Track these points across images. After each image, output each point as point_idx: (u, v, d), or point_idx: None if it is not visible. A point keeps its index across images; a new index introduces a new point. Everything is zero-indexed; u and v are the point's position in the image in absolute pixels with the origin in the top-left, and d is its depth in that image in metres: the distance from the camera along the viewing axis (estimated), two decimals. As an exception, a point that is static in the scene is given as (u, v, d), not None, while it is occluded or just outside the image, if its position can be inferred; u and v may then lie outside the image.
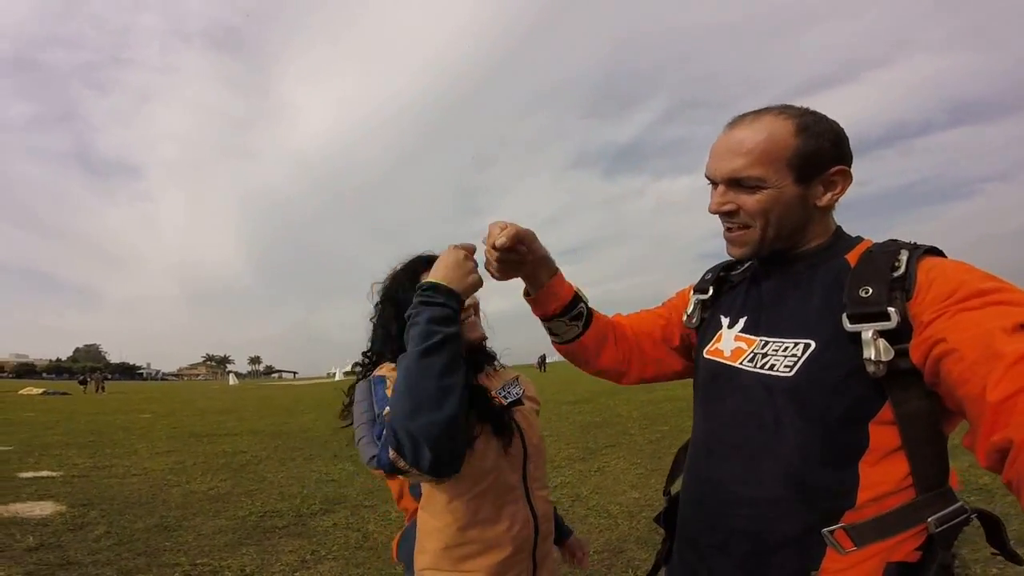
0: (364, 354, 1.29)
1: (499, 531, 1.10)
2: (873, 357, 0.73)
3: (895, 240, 0.86)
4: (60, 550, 3.29)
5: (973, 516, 0.77)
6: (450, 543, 1.09)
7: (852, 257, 0.86)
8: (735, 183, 0.87)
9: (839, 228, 0.93)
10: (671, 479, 1.11)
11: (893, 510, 0.75)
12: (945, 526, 0.74)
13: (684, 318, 1.10)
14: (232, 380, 60.85)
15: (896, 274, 0.78)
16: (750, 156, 0.85)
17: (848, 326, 0.77)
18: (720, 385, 0.95)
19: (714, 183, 0.91)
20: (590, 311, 1.15)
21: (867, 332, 0.74)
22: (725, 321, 1.00)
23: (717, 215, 0.92)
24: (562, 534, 1.41)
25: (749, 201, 0.87)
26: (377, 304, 1.28)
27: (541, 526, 1.17)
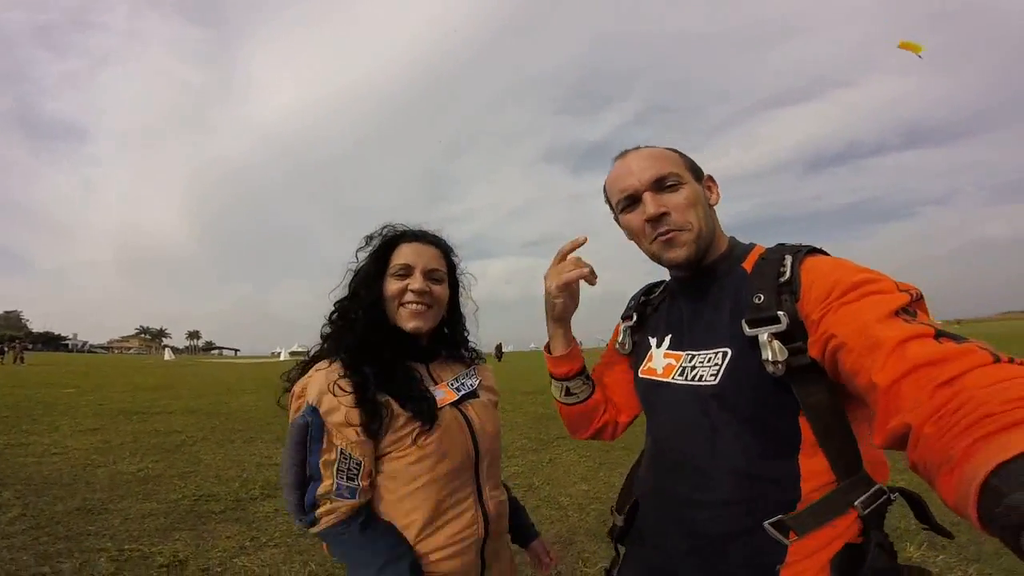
0: (328, 316, 1.20)
1: (438, 532, 1.05)
2: (770, 358, 0.79)
3: (782, 244, 0.93)
4: (-35, 534, 2.99)
5: (895, 496, 0.83)
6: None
7: (748, 264, 0.94)
8: (659, 183, 0.95)
9: (732, 238, 1.03)
10: (624, 497, 1.12)
11: (822, 498, 0.80)
12: (871, 508, 0.79)
13: (617, 347, 1.17)
14: (168, 355, 57.91)
15: (783, 279, 0.84)
16: (662, 160, 0.97)
17: (747, 331, 0.83)
18: (657, 401, 1.01)
19: (634, 199, 0.98)
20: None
21: (763, 335, 0.81)
22: (653, 341, 1.06)
23: (648, 225, 0.96)
24: (528, 536, 1.36)
25: (676, 199, 0.94)
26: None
27: (492, 526, 1.13)
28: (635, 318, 1.14)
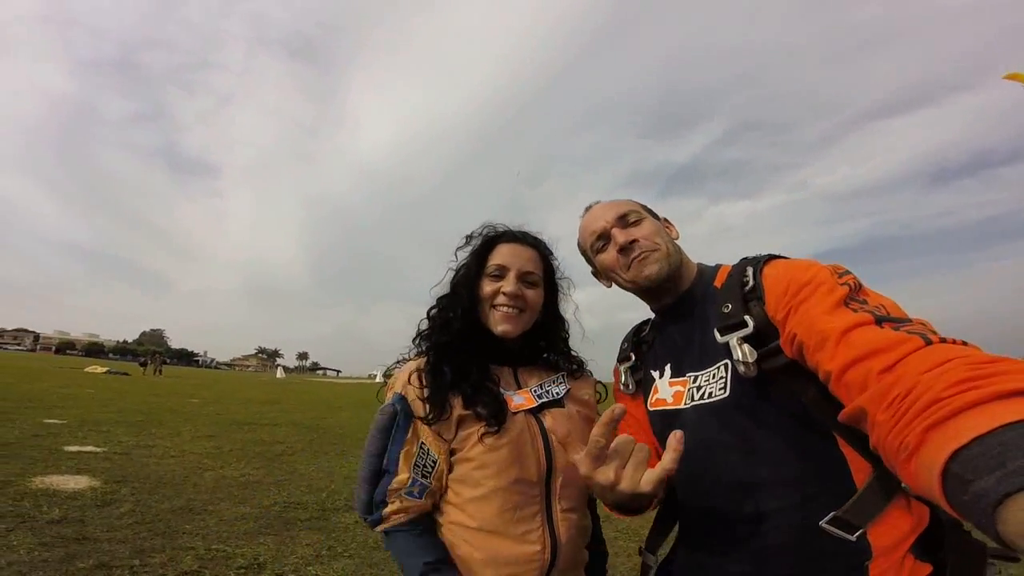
0: (428, 311, 1.18)
1: (500, 545, 0.95)
2: (740, 359, 0.83)
3: (745, 258, 0.98)
4: (80, 525, 3.27)
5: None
6: (453, 543, 1.01)
7: (718, 282, 0.99)
8: (623, 220, 1.05)
9: (700, 264, 1.09)
10: (654, 539, 1.06)
11: (866, 486, 0.77)
12: None
13: (622, 388, 1.14)
14: (280, 373, 63.15)
15: (747, 288, 0.89)
16: (622, 203, 1.08)
17: (719, 339, 0.87)
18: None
19: (605, 237, 1.07)
20: None
21: (732, 340, 0.85)
22: (656, 374, 1.06)
23: (620, 255, 1.03)
24: None
25: (642, 230, 1.03)
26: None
27: (562, 554, 0.98)
28: (632, 358, 1.14)
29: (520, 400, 1.06)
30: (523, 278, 1.11)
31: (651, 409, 1.04)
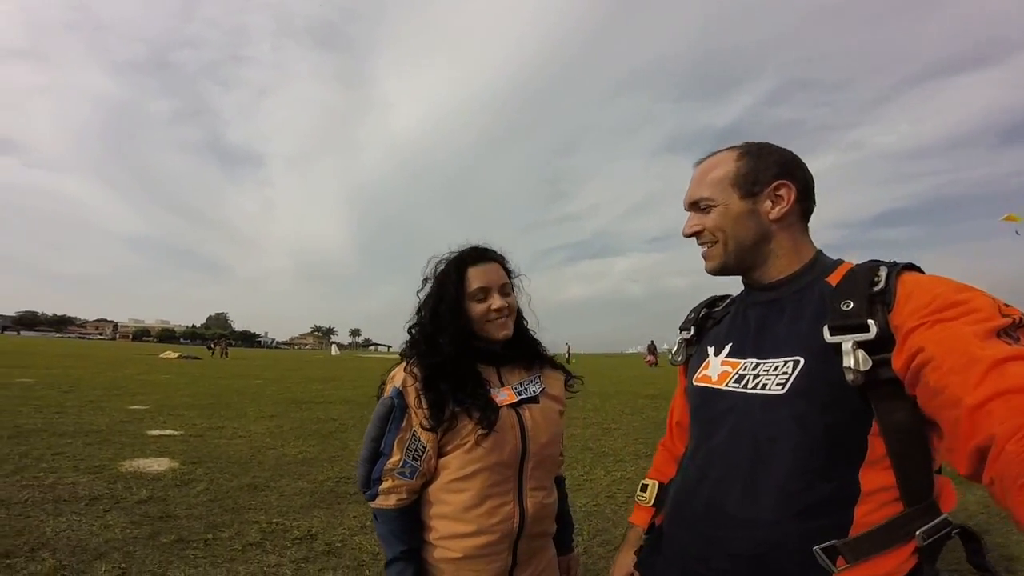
0: (410, 329, 1.33)
1: (477, 517, 1.17)
2: (852, 366, 0.76)
3: (875, 259, 0.89)
4: (164, 504, 3.76)
5: (956, 531, 0.79)
6: (435, 518, 1.20)
7: (834, 279, 0.90)
8: (695, 206, 1.01)
9: (819, 252, 0.98)
10: (656, 515, 1.12)
11: (883, 523, 0.76)
12: (932, 539, 0.75)
13: (670, 358, 1.17)
14: (334, 351, 65.91)
15: (876, 288, 0.81)
16: (702, 183, 1.00)
17: (828, 338, 0.79)
18: (711, 409, 0.97)
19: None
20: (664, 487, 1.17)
21: (847, 343, 0.77)
22: (711, 350, 1.04)
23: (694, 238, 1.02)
24: (562, 549, 1.41)
25: (707, 220, 0.98)
26: (425, 280, 1.32)
27: (528, 525, 1.21)
28: (692, 331, 1.14)
29: (503, 396, 1.23)
30: (501, 291, 1.26)
31: (695, 384, 1.03)
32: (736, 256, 0.97)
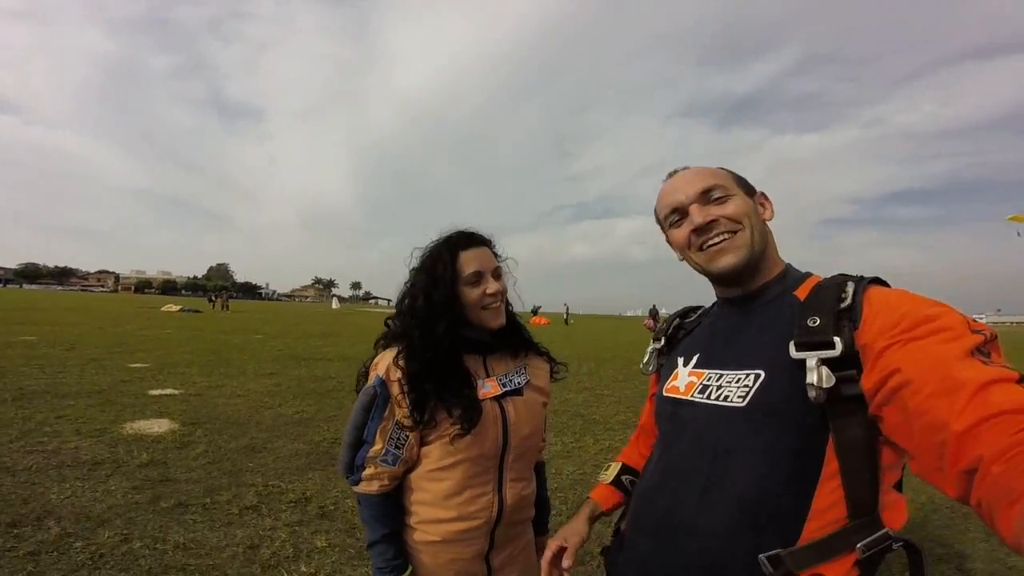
0: (387, 321, 1.33)
1: (457, 505, 1.20)
2: (815, 383, 0.76)
3: (842, 274, 0.90)
4: (164, 467, 3.89)
5: (898, 545, 0.80)
6: (416, 503, 1.24)
7: (801, 292, 0.91)
8: (705, 196, 0.95)
9: (788, 265, 1.00)
10: (624, 515, 1.12)
11: (828, 535, 0.77)
12: (871, 552, 0.77)
13: (641, 368, 1.17)
14: (335, 304, 66.39)
15: (843, 305, 0.81)
16: (708, 175, 0.97)
17: (794, 353, 0.80)
18: (676, 418, 0.99)
19: (682, 213, 0.98)
20: (632, 482, 1.18)
21: (811, 359, 0.77)
22: (680, 361, 1.05)
23: (693, 235, 0.97)
24: (538, 531, 1.46)
25: (727, 208, 0.94)
26: (412, 270, 1.29)
27: (507, 514, 1.25)
28: (663, 341, 1.15)
29: (488, 388, 1.24)
30: (494, 275, 1.25)
31: (664, 394, 1.04)
32: (753, 254, 0.93)
